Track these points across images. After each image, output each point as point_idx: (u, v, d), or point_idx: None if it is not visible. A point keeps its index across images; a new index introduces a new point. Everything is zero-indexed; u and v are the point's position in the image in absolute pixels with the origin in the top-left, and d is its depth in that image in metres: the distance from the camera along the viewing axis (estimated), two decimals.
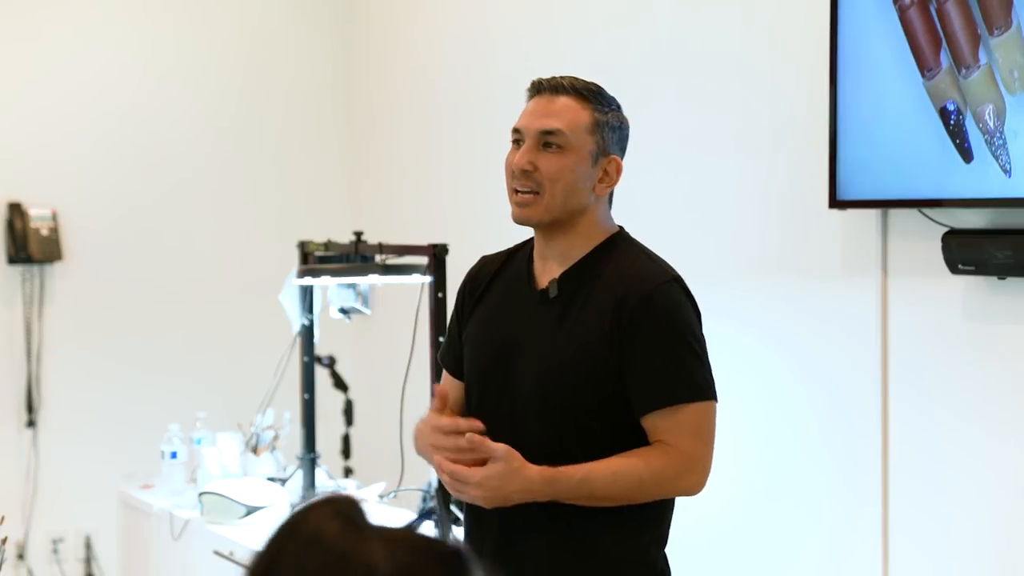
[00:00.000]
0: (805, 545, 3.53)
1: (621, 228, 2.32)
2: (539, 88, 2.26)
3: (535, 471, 2.08)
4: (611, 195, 2.31)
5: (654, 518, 2.24)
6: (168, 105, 5.23)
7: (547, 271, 2.25)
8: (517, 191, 2.22)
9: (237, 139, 5.37)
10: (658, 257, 2.28)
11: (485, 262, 2.39)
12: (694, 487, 2.17)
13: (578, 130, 2.21)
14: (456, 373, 2.37)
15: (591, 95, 2.24)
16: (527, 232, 2.35)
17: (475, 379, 2.29)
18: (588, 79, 2.31)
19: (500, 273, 2.33)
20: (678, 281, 2.22)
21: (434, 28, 5.08)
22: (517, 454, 2.07)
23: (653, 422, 2.14)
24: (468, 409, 2.30)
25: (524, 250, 2.33)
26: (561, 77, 2.26)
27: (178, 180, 5.24)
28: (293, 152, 5.48)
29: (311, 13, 5.54)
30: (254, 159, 5.41)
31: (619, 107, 2.30)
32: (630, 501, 2.14)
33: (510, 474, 2.06)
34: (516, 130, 2.25)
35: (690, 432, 2.14)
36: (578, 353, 2.17)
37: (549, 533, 2.19)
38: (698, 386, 2.16)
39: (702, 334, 2.22)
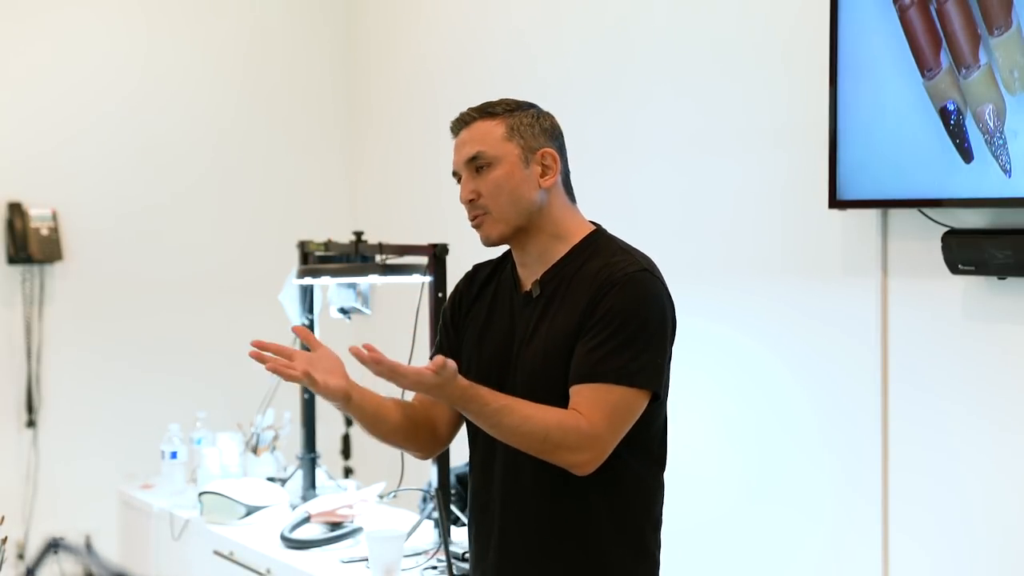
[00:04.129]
0: (805, 544, 3.53)
1: (599, 226, 2.37)
2: (453, 129, 2.36)
3: (460, 389, 2.12)
4: (569, 188, 2.36)
5: (649, 502, 2.29)
6: (168, 106, 5.24)
7: (530, 275, 2.33)
8: (473, 219, 2.32)
9: (237, 139, 5.38)
10: (634, 249, 2.31)
11: (478, 269, 2.46)
12: (584, 464, 2.18)
13: (496, 143, 2.29)
14: None
15: (496, 107, 2.33)
16: None
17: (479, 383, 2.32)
18: (500, 99, 2.36)
19: (489, 281, 2.42)
20: (648, 271, 2.25)
21: (434, 28, 5.08)
22: (452, 370, 2.09)
23: (576, 392, 2.19)
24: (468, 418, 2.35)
25: (510, 258, 2.40)
26: (468, 109, 2.35)
27: (178, 180, 5.25)
28: (293, 152, 5.49)
29: (311, 13, 5.54)
30: (254, 159, 5.41)
31: (533, 106, 2.36)
32: (525, 448, 2.18)
33: (443, 385, 2.10)
34: (454, 172, 2.35)
35: (604, 411, 2.17)
36: (558, 346, 2.23)
37: (545, 530, 2.25)
38: (628, 372, 2.18)
39: (663, 325, 2.24)
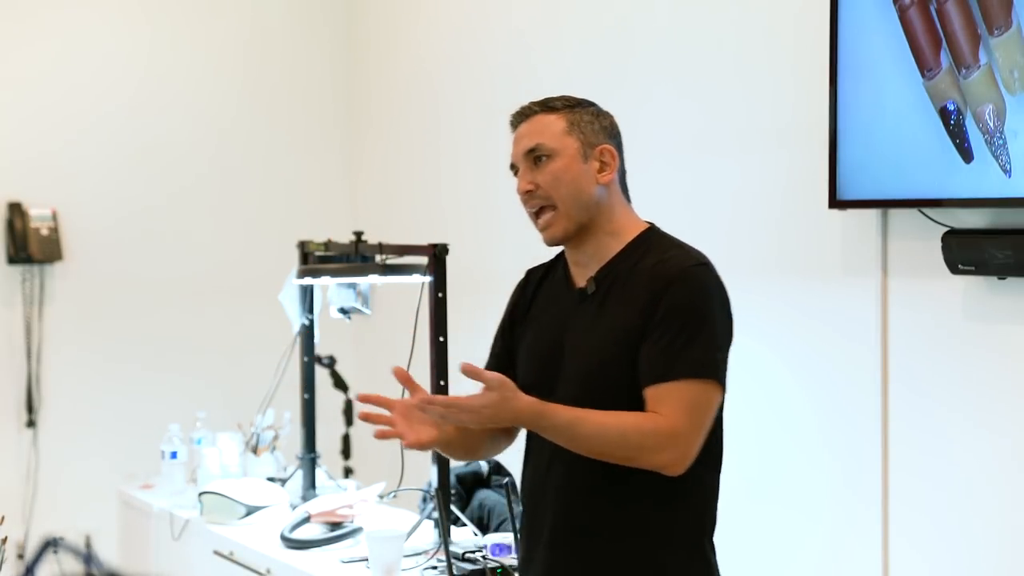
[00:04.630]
0: (805, 545, 3.53)
1: (652, 224, 2.39)
2: (513, 122, 2.38)
3: (526, 402, 2.14)
4: (625, 188, 2.39)
5: (705, 504, 2.29)
6: (168, 106, 5.24)
7: (584, 273, 2.34)
8: (535, 214, 2.33)
9: (237, 139, 5.38)
10: (689, 246, 2.34)
11: (531, 273, 2.48)
12: (672, 464, 2.18)
13: (556, 136, 2.31)
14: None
15: (557, 102, 2.35)
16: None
17: (531, 383, 2.33)
18: (560, 94, 2.38)
19: (543, 283, 2.43)
20: (705, 266, 2.28)
21: (434, 27, 5.08)
22: (510, 383, 2.13)
23: (652, 393, 2.19)
24: None
25: (562, 259, 2.41)
26: (528, 103, 2.37)
27: (178, 180, 5.25)
28: (293, 152, 5.49)
29: (311, 13, 5.54)
30: (254, 159, 5.41)
31: (593, 104, 2.38)
32: (606, 457, 2.18)
33: (503, 403, 2.12)
34: (511, 165, 2.37)
35: (682, 408, 2.17)
36: (616, 341, 2.23)
37: (601, 526, 2.25)
38: (700, 365, 2.19)
39: (725, 319, 2.27)
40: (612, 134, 2.36)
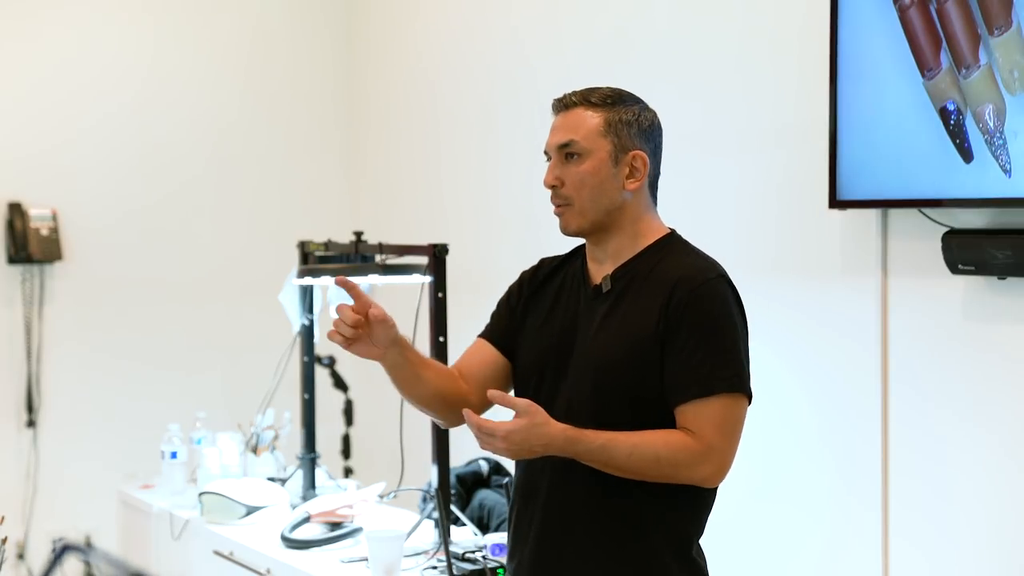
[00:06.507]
0: (805, 545, 3.53)
1: (673, 231, 2.38)
2: (554, 108, 2.36)
3: (558, 428, 2.14)
4: (654, 192, 2.37)
5: (698, 509, 2.29)
6: (168, 106, 5.24)
7: (601, 271, 2.33)
8: (555, 206, 2.33)
9: (237, 139, 5.38)
10: (707, 255, 2.34)
11: (543, 262, 2.47)
12: (708, 478, 2.21)
13: (590, 136, 2.28)
14: (492, 340, 2.43)
15: (601, 100, 2.31)
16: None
17: (533, 369, 2.35)
18: (605, 86, 2.36)
19: (555, 274, 2.42)
20: (724, 278, 2.29)
21: (434, 28, 5.08)
22: (540, 409, 2.14)
23: (682, 411, 2.21)
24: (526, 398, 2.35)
25: (579, 254, 2.41)
26: (572, 92, 2.34)
27: (178, 180, 5.25)
28: (293, 152, 5.49)
29: (311, 13, 5.54)
30: (254, 159, 5.41)
31: (637, 102, 2.34)
32: (643, 477, 2.19)
33: (534, 428, 2.12)
34: (545, 152, 2.35)
35: (713, 423, 2.19)
36: (629, 344, 2.23)
37: (591, 523, 2.25)
38: (728, 380, 2.20)
39: (745, 331, 2.28)
40: (649, 137, 2.32)
